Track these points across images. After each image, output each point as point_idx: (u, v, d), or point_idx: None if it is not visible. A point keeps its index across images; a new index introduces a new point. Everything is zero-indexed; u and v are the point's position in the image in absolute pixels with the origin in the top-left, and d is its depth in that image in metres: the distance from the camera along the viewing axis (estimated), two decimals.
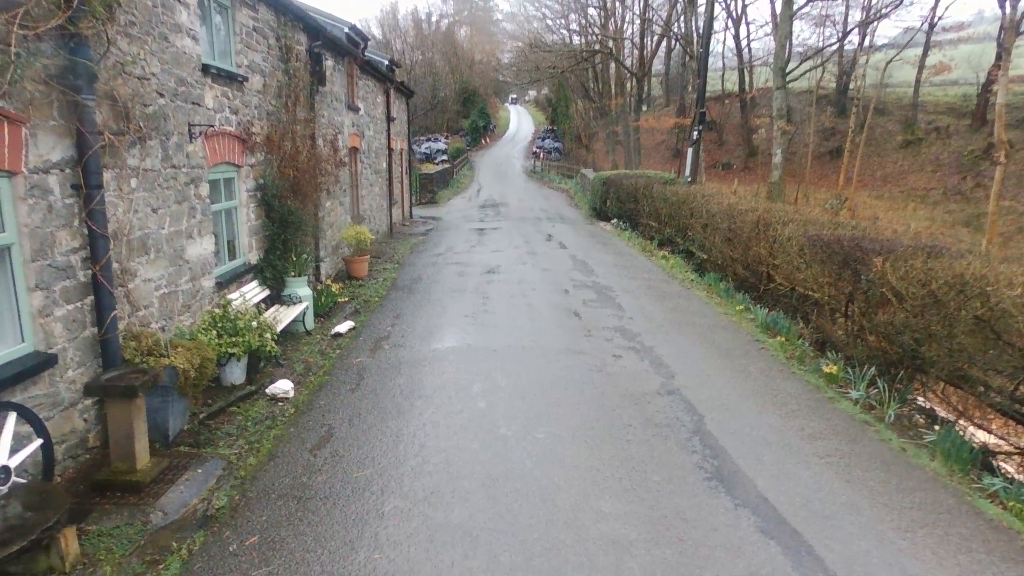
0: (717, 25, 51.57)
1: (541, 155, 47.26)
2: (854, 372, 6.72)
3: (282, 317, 7.60)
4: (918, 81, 46.67)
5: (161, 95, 5.75)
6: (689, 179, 16.24)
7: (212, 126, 6.75)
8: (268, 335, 6.59)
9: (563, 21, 45.89)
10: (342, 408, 5.85)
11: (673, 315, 9.08)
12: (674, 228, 15.12)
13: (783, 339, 8.10)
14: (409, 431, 5.30)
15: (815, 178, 43.45)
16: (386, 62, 17.81)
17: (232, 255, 7.81)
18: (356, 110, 14.15)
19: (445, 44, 68.72)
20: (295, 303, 8.32)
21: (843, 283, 7.59)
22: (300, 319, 8.37)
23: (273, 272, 8.29)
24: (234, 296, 7.09)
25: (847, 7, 45.00)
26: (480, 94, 69.34)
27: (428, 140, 55.20)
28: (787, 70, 32.28)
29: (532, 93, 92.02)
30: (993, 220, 23.61)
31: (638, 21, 41.53)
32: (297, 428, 5.46)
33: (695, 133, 16.01)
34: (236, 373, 6.47)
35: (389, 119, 17.88)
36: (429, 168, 33.73)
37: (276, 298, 8.42)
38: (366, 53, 16.43)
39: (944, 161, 44.25)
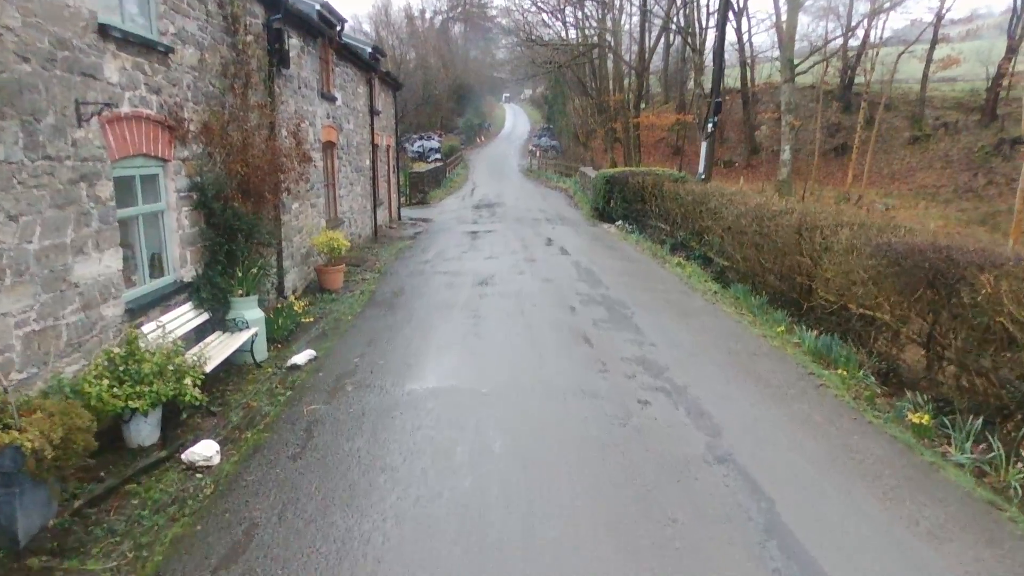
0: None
1: (538, 153, 45.75)
2: (951, 422, 5.20)
3: (212, 354, 5.97)
4: (925, 75, 45.28)
5: (24, 59, 4.16)
6: (703, 176, 14.73)
7: (115, 106, 5.16)
8: (189, 380, 5.01)
9: (559, 15, 44.21)
10: (276, 487, 4.28)
11: (702, 339, 7.54)
12: (688, 231, 13.60)
13: (843, 372, 6.57)
14: (362, 531, 3.73)
15: (819, 176, 42.03)
16: (369, 49, 16.23)
17: (157, 272, 6.23)
18: (332, 100, 12.57)
19: (439, 41, 67.23)
20: (240, 329, 6.74)
21: (923, 304, 6.07)
22: (248, 348, 6.79)
23: (213, 291, 6.70)
24: (151, 327, 5.50)
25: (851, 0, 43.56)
26: (475, 92, 67.81)
27: (421, 138, 53.59)
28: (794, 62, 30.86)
29: (528, 91, 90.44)
30: (1019, 219, 22.10)
31: (637, 15, 40.03)
32: (207, 524, 3.89)
33: (710, 126, 14.51)
34: (145, 431, 4.90)
35: (373, 112, 16.30)
36: (421, 166, 32.15)
37: (219, 323, 6.84)
38: (345, 37, 14.85)
39: (954, 158, 42.91)
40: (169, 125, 6.08)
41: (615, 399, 5.58)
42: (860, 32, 44.87)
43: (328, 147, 12.50)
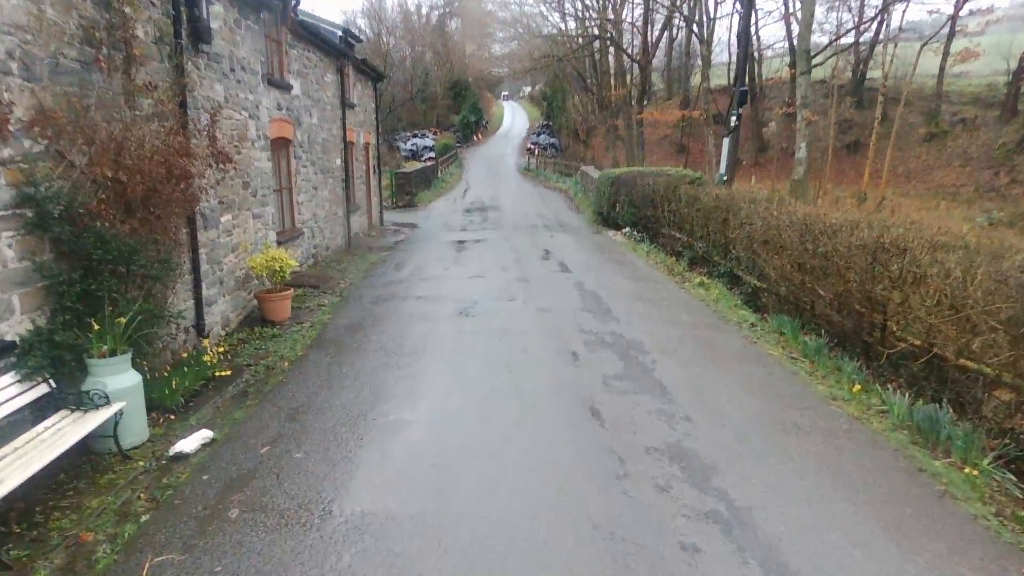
0: (724, 9, 47.95)
1: (536, 152, 43.72)
2: None
3: (27, 459, 3.84)
4: (942, 69, 43.31)
5: None
6: (724, 177, 12.67)
7: None
8: None
9: (557, 5, 42.03)
10: None
11: (755, 406, 5.48)
12: (710, 242, 11.54)
13: (971, 470, 4.50)
14: None
15: (831, 174, 40.06)
16: (339, 32, 14.17)
17: None
18: (285, 88, 10.51)
19: (435, 36, 65.29)
20: (97, 407, 4.68)
21: None
22: (110, 431, 4.74)
23: (53, 352, 4.63)
24: None
25: None
26: (472, 89, 65.74)
27: (415, 136, 51.59)
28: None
29: (527, 89, 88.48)
30: None
31: (640, 5, 37.83)
32: None
33: (733, 119, 12.43)
34: None
35: (345, 105, 14.24)
36: (415, 165, 30.04)
37: (75, 398, 4.77)
38: (306, 16, 12.81)
39: (973, 155, 41.01)
40: None
41: (645, 541, 3.51)
42: (874, 24, 42.85)
43: (280, 144, 10.45)
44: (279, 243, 10.02)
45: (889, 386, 5.92)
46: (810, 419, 5.25)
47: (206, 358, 6.29)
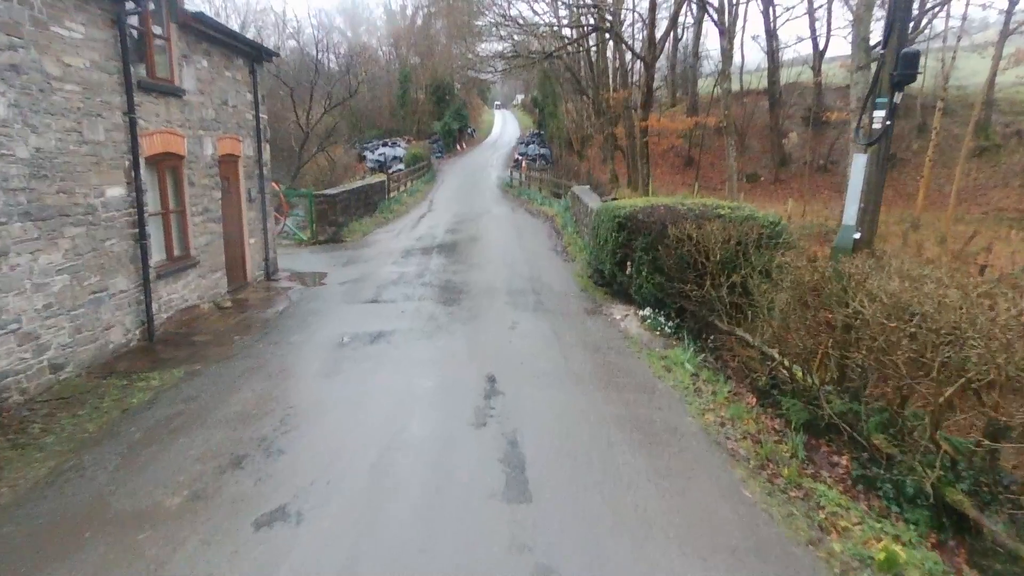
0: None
1: (523, 164, 37.23)
2: None
3: None
4: (993, 73, 37.11)
5: None
6: (857, 231, 6.13)
7: None
8: None
9: None
10: None
11: None
12: (861, 386, 5.01)
13: None
14: None
15: None
16: None
17: None
18: None
19: (419, 38, 59.36)
20: None
21: None
22: None
23: None
24: None
25: None
26: (457, 93, 59.37)
27: (386, 145, 45.19)
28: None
29: (520, 96, 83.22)
30: None
31: None
32: None
33: (879, 117, 5.91)
34: None
35: (131, 86, 7.66)
36: (352, 183, 23.32)
37: None
38: None
39: None
40: None
41: None
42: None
43: None
44: None
45: None
46: None
47: None
